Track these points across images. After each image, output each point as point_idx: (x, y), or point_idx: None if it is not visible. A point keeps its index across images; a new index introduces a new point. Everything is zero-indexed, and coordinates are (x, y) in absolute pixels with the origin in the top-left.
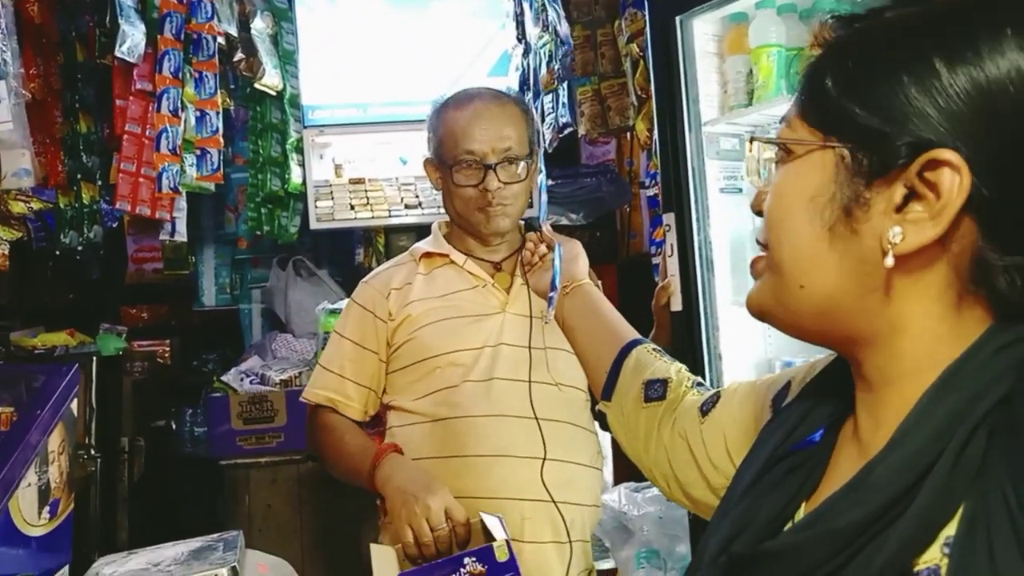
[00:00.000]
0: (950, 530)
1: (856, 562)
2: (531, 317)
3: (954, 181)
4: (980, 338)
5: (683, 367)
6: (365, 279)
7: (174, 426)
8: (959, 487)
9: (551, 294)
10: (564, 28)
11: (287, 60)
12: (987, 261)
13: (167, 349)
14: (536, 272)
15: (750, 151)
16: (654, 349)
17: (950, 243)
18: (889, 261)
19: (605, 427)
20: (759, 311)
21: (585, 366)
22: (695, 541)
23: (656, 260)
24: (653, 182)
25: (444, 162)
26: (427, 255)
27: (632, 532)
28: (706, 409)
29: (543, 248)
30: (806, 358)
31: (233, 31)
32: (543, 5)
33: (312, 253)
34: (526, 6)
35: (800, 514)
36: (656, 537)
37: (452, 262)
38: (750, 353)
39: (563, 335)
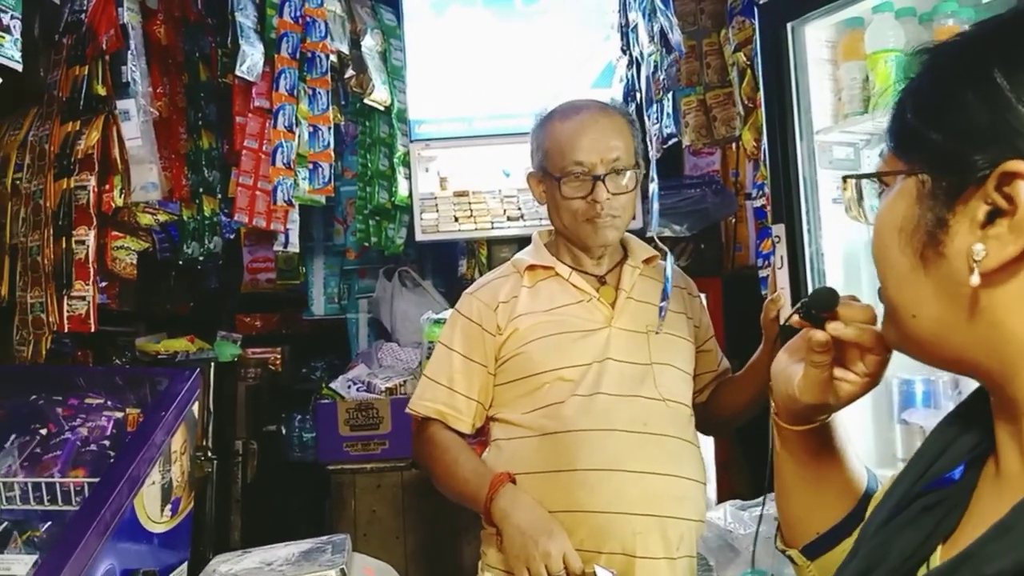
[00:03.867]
0: None
1: None
2: (637, 332)
3: None
4: None
5: None
6: (469, 291)
7: (283, 431)
8: None
9: (661, 304)
10: (677, 35)
11: (395, 76)
12: None
13: (278, 356)
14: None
15: (845, 190)
16: None
17: None
18: (975, 279)
19: (708, 433)
20: (892, 346)
21: (782, 498)
22: None
23: (763, 273)
24: (760, 193)
25: (551, 174)
26: (531, 267)
27: (738, 551)
28: None
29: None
30: (926, 376)
31: (345, 49)
32: (655, 13)
33: (416, 264)
34: (639, 15)
35: (936, 556)
36: (763, 557)
37: (557, 275)
38: None
39: (669, 350)
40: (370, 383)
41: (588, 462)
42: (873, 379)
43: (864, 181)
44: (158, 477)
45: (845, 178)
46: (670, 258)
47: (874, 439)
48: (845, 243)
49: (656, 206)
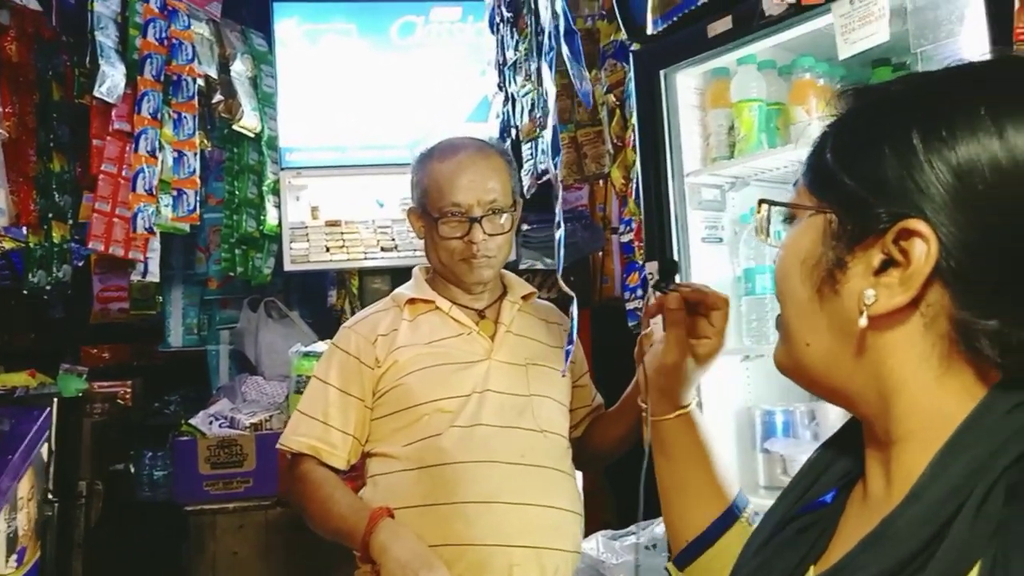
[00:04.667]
0: None
1: None
2: (516, 364)
3: (923, 251)
4: (989, 396)
5: None
6: (347, 324)
7: (132, 470)
8: (978, 542)
9: (567, 347)
10: (587, 86)
11: (266, 102)
12: (963, 325)
13: (128, 390)
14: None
15: (759, 212)
16: (751, 519)
17: (925, 307)
18: (863, 321)
19: (582, 468)
20: (779, 369)
21: (664, 507)
22: None
23: (630, 305)
24: (628, 228)
25: (429, 214)
26: (411, 301)
27: None
28: None
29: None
30: (784, 406)
31: (213, 73)
32: (541, 55)
33: (283, 295)
34: (543, 61)
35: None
36: None
37: (437, 308)
38: (731, 401)
39: (547, 383)
40: (233, 418)
41: (467, 494)
42: (721, 335)
43: (773, 207)
44: (3, 526)
45: (761, 202)
46: (575, 303)
47: (738, 467)
48: (714, 281)
49: (562, 252)
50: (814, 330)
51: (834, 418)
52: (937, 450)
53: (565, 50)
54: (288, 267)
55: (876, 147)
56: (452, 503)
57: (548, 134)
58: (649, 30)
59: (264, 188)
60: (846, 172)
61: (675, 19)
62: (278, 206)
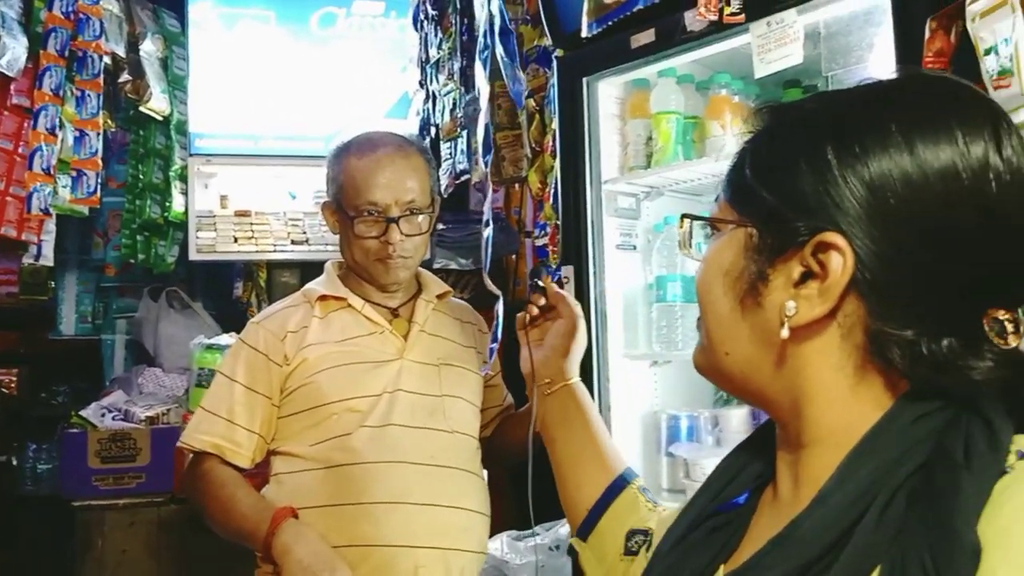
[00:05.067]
0: None
1: None
2: (428, 364)
3: (839, 263)
4: (896, 406)
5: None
6: (256, 319)
7: (15, 462)
8: (879, 547)
9: (491, 345)
10: (519, 87)
11: (176, 85)
12: (878, 335)
13: (14, 379)
14: (537, 343)
15: (681, 227)
16: (641, 488)
17: (842, 318)
18: (784, 333)
19: (490, 467)
20: (698, 370)
21: (561, 487)
22: None
23: None
24: (542, 232)
25: (344, 210)
26: (323, 298)
27: None
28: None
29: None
30: (690, 411)
31: (121, 51)
32: (466, 54)
33: (187, 285)
34: (478, 61)
35: (720, 575)
36: None
37: (349, 306)
38: (638, 405)
39: (459, 383)
40: (128, 411)
41: (374, 495)
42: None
43: (695, 222)
44: None
45: (683, 217)
46: (501, 301)
47: (643, 471)
48: (624, 287)
49: (490, 251)
50: (735, 340)
51: (736, 424)
52: (844, 456)
53: (500, 50)
54: (193, 256)
55: (793, 163)
56: (359, 503)
57: (480, 132)
58: (584, 33)
59: (171, 173)
60: (765, 187)
61: (610, 23)
62: (185, 193)
